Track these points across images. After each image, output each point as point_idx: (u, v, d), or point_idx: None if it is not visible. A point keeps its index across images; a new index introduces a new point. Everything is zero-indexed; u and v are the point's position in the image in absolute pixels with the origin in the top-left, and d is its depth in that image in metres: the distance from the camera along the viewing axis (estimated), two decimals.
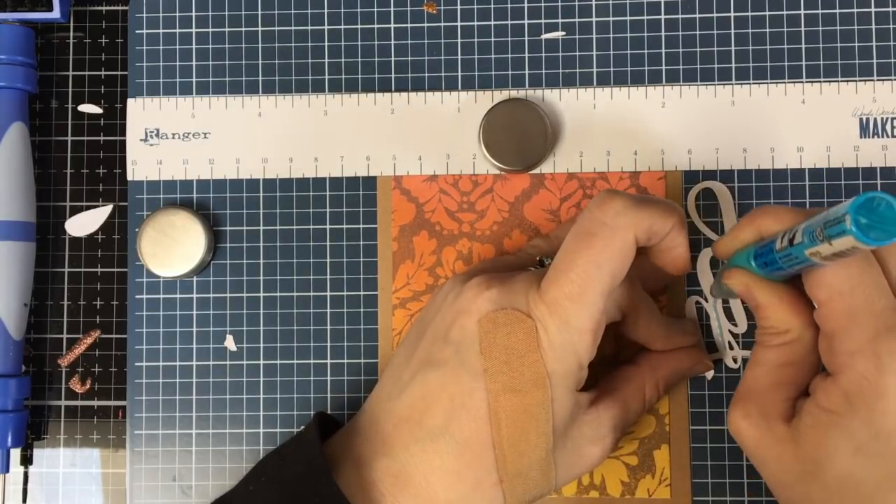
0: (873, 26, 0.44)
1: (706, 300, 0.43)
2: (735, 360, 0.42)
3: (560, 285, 0.34)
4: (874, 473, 0.32)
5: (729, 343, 0.42)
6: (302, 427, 0.43)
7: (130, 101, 0.45)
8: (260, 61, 0.45)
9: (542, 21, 0.44)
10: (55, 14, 0.45)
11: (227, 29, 0.45)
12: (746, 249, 0.35)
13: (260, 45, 0.45)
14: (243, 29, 0.45)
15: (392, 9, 0.45)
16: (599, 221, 0.35)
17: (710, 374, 0.42)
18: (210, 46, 0.45)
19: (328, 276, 0.44)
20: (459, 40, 0.45)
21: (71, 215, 0.46)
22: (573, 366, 0.35)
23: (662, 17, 0.44)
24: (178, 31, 0.45)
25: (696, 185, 0.43)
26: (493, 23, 0.45)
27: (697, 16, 0.44)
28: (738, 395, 0.36)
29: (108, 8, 0.46)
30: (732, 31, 0.44)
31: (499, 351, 0.35)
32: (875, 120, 0.43)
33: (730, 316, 0.43)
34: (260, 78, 0.45)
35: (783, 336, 0.35)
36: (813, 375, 0.35)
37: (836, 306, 0.32)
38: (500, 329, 0.35)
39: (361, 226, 0.44)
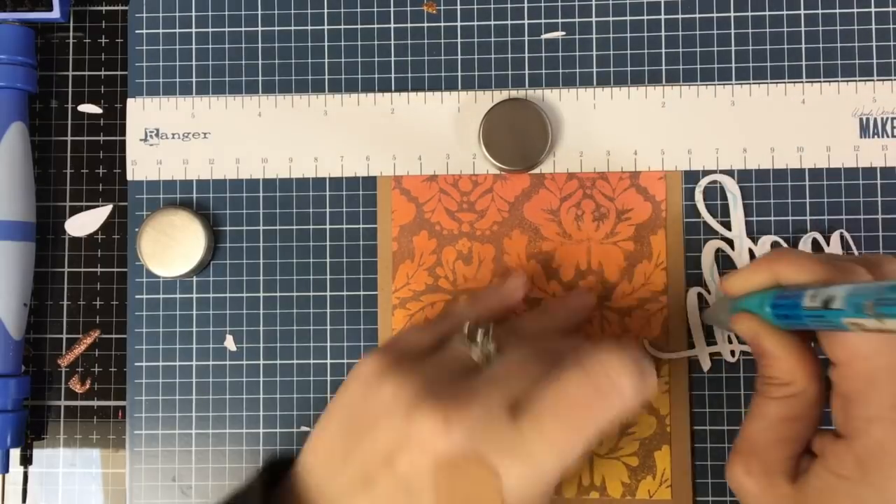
0: (873, 26, 0.44)
1: (708, 292, 0.43)
2: (733, 354, 0.42)
3: (550, 440, 0.31)
4: None
5: (728, 337, 0.42)
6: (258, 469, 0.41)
7: (130, 101, 0.45)
8: (260, 61, 0.45)
9: (542, 21, 0.44)
10: (55, 14, 0.45)
11: (227, 29, 0.45)
12: (760, 294, 0.34)
13: (260, 45, 0.45)
14: (243, 29, 0.45)
15: (392, 9, 0.45)
16: (613, 384, 0.32)
17: (706, 366, 0.42)
18: (210, 46, 0.45)
19: (328, 276, 0.44)
20: (459, 40, 0.45)
21: (71, 215, 0.46)
22: None
23: (662, 17, 0.44)
24: (178, 31, 0.45)
25: (703, 178, 0.43)
26: (493, 23, 0.45)
27: (697, 16, 0.44)
28: (738, 449, 0.35)
29: (108, 8, 0.46)
30: (732, 31, 0.44)
31: (457, 502, 0.31)
32: (875, 120, 0.43)
33: None
34: (260, 78, 0.45)
35: (787, 388, 0.34)
36: (814, 431, 0.34)
37: (856, 368, 0.31)
38: (460, 477, 0.31)
39: (361, 226, 0.44)
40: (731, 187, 0.43)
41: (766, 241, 0.43)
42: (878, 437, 0.31)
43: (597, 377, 0.32)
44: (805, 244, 0.42)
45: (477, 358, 0.35)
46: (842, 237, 0.42)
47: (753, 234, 0.43)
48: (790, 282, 0.33)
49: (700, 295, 0.43)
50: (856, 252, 0.42)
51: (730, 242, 0.43)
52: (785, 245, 0.42)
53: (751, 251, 0.43)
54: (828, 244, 0.42)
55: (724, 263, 0.43)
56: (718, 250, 0.43)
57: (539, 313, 0.40)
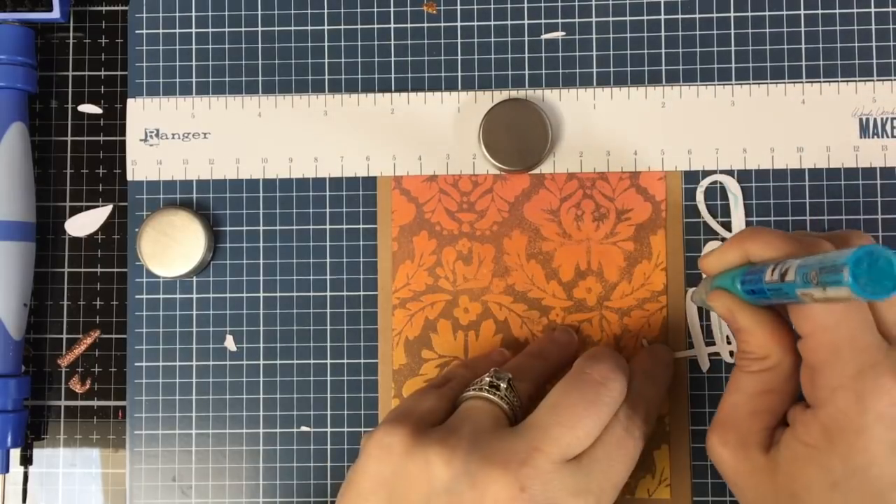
0: (873, 26, 0.44)
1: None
2: (732, 355, 0.42)
3: (606, 472, 0.35)
4: None
5: (727, 338, 0.42)
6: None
7: (130, 101, 0.45)
8: (260, 61, 0.45)
9: (542, 21, 0.44)
10: (55, 14, 0.45)
11: (227, 29, 0.45)
12: (732, 271, 0.35)
13: (260, 45, 0.45)
14: (243, 29, 0.45)
15: (392, 9, 0.45)
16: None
17: (705, 366, 0.42)
18: (210, 46, 0.45)
19: (328, 276, 0.44)
20: (459, 40, 0.45)
21: (71, 215, 0.46)
22: None
23: (662, 17, 0.44)
24: (178, 31, 0.45)
25: (705, 179, 0.43)
26: (493, 23, 0.45)
27: (697, 16, 0.44)
28: (716, 421, 0.36)
29: (108, 8, 0.46)
30: (732, 31, 0.44)
31: None
32: (875, 120, 0.43)
33: None
34: (260, 78, 0.45)
35: (762, 362, 0.35)
36: (791, 403, 0.35)
37: (820, 340, 0.32)
38: None
39: (361, 226, 0.44)
40: (733, 188, 0.43)
41: None
42: (842, 406, 0.31)
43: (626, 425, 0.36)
44: None
45: (507, 409, 0.36)
46: None
47: None
48: (760, 258, 0.34)
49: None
50: None
51: None
52: None
53: None
54: None
55: None
56: None
57: (533, 357, 0.41)
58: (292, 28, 0.45)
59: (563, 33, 0.44)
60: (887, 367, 0.31)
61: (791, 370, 0.34)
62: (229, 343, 0.44)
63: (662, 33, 0.44)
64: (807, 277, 0.28)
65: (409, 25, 0.45)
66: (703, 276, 0.38)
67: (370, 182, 0.44)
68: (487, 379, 0.37)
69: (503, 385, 0.36)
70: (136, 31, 0.45)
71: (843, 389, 0.31)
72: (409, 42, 0.45)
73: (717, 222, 0.43)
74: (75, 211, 0.46)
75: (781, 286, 0.30)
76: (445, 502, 0.33)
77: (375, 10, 0.45)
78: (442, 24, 0.45)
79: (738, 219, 0.43)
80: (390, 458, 0.34)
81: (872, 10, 0.44)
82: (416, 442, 0.34)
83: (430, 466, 0.33)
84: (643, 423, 0.37)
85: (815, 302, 0.29)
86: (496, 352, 0.42)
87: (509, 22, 0.45)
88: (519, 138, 0.43)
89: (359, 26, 0.45)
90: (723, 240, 0.43)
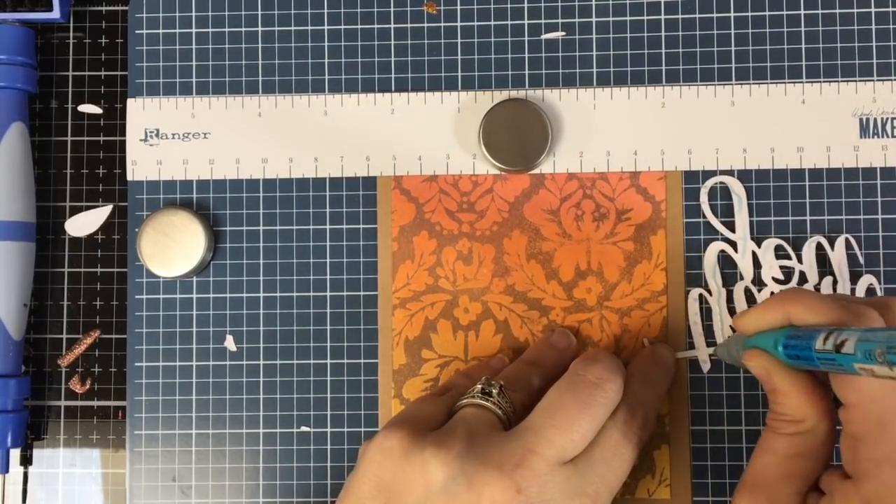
0: (873, 26, 0.44)
1: (709, 293, 0.43)
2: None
3: (602, 474, 0.35)
4: None
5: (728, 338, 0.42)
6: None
7: (130, 101, 0.45)
8: (260, 61, 0.45)
9: (542, 21, 0.44)
10: (55, 14, 0.45)
11: (227, 29, 0.45)
12: (772, 332, 0.34)
13: (260, 45, 0.45)
14: (243, 29, 0.45)
15: (392, 9, 0.45)
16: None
17: (706, 367, 0.42)
18: (210, 46, 0.45)
19: (328, 276, 0.44)
20: (459, 40, 0.45)
21: (71, 215, 0.46)
22: None
23: (662, 17, 0.44)
24: (178, 31, 0.45)
25: (708, 180, 0.43)
26: (493, 23, 0.45)
27: (697, 16, 0.44)
28: (745, 483, 0.35)
29: (108, 8, 0.46)
30: (732, 31, 0.44)
31: None
32: (875, 120, 0.43)
33: (732, 314, 0.42)
34: (260, 78, 0.45)
35: (797, 425, 0.34)
36: (824, 469, 0.34)
37: (866, 411, 0.31)
38: None
39: (361, 226, 0.44)
40: (737, 189, 0.43)
41: (769, 245, 0.42)
42: (887, 480, 0.31)
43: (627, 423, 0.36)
44: (809, 248, 0.42)
45: (501, 414, 0.36)
46: (847, 243, 0.42)
47: (754, 234, 0.43)
48: (802, 322, 0.33)
49: (701, 296, 0.43)
50: (861, 258, 0.42)
51: (732, 244, 0.43)
52: (789, 248, 0.42)
53: (754, 254, 0.43)
54: (832, 248, 0.42)
55: (726, 265, 0.43)
56: (721, 251, 0.43)
57: (528, 365, 0.41)
58: (292, 28, 0.45)
59: (563, 33, 0.44)
60: None
61: (826, 435, 0.34)
62: (229, 343, 0.44)
63: (662, 33, 0.44)
64: (870, 354, 0.28)
65: (409, 25, 0.45)
66: (734, 332, 0.38)
67: (370, 182, 0.44)
68: (479, 386, 0.37)
69: (495, 391, 0.37)
70: (136, 31, 0.45)
71: (888, 463, 0.30)
72: (409, 42, 0.45)
73: (720, 222, 0.43)
74: (75, 211, 0.46)
75: (835, 357, 0.30)
76: (440, 499, 0.33)
77: (375, 10, 0.45)
78: (442, 24, 0.45)
79: (741, 221, 0.43)
80: (389, 462, 0.35)
81: (872, 10, 0.44)
82: (413, 444, 0.34)
83: (427, 468, 0.34)
84: (641, 426, 0.37)
85: (874, 377, 0.28)
86: (496, 359, 0.42)
87: (509, 22, 0.45)
88: (519, 138, 0.43)
89: (359, 26, 0.45)
90: (725, 240, 0.43)
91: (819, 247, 0.42)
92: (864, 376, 0.29)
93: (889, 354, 0.27)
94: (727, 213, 0.43)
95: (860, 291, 0.42)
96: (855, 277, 0.42)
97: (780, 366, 0.34)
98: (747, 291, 0.42)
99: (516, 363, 0.41)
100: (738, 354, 0.37)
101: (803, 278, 0.42)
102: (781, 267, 0.43)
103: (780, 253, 0.43)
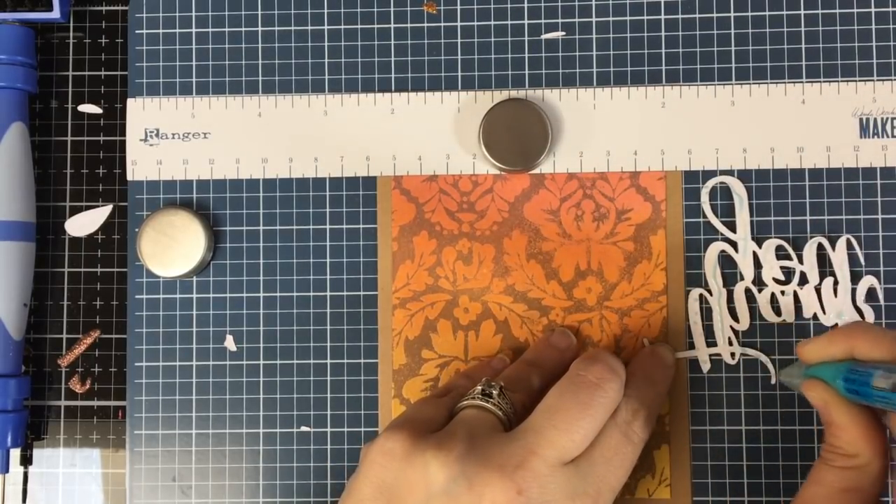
0: (873, 26, 0.44)
1: (710, 293, 0.43)
2: (734, 356, 0.42)
3: (601, 475, 0.35)
4: None
5: (729, 339, 0.42)
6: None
7: (130, 101, 0.45)
8: (260, 61, 0.45)
9: (542, 21, 0.44)
10: (55, 14, 0.45)
11: (227, 29, 0.45)
12: (833, 364, 0.34)
13: (260, 45, 0.45)
14: (243, 29, 0.45)
15: (392, 9, 0.45)
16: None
17: (706, 367, 0.43)
18: (210, 46, 0.45)
19: (328, 276, 0.44)
20: (459, 40, 0.45)
21: (71, 215, 0.46)
22: None
23: (662, 17, 0.44)
24: (178, 31, 0.45)
25: (710, 180, 0.43)
26: (493, 23, 0.45)
27: (697, 16, 0.44)
28: None
29: (108, 8, 0.46)
30: (732, 31, 0.44)
31: None
32: (875, 120, 0.43)
33: (733, 314, 0.42)
34: (260, 78, 0.45)
35: (851, 460, 0.34)
36: None
37: None
38: None
39: (361, 226, 0.44)
40: (738, 189, 0.43)
41: (770, 245, 0.42)
42: None
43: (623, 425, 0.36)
44: (810, 249, 0.42)
45: (501, 415, 0.36)
46: (848, 243, 0.42)
47: (754, 234, 0.43)
48: (865, 357, 0.33)
49: (701, 296, 0.43)
50: (861, 257, 0.42)
51: (733, 244, 0.43)
52: (790, 248, 0.42)
53: (755, 254, 0.43)
54: (833, 249, 0.42)
55: (727, 265, 0.43)
56: (722, 252, 0.43)
57: (528, 365, 0.41)
58: (292, 28, 0.45)
59: (563, 33, 0.44)
60: None
61: (879, 472, 0.34)
62: (229, 343, 0.44)
63: (662, 33, 0.44)
64: None
65: (409, 25, 0.45)
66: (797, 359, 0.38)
67: (370, 182, 0.44)
68: (479, 388, 0.37)
69: (495, 392, 0.37)
70: (136, 31, 0.45)
71: None
72: (409, 42, 0.45)
73: (721, 222, 0.43)
74: (75, 211, 0.46)
75: (892, 396, 0.30)
76: (441, 500, 0.33)
77: (375, 10, 0.45)
78: (442, 24, 0.45)
79: (742, 221, 0.43)
80: (391, 464, 0.35)
81: (872, 10, 0.44)
82: (414, 446, 0.34)
83: (428, 470, 0.34)
84: (642, 426, 0.37)
85: None
86: (496, 359, 0.43)
87: (509, 22, 0.45)
88: (519, 138, 0.43)
89: (359, 26, 0.45)
90: (725, 240, 0.43)
91: (820, 247, 0.42)
92: None
93: None
94: (728, 213, 0.43)
95: (861, 292, 0.42)
96: (856, 278, 0.42)
97: (838, 399, 0.34)
98: (748, 292, 0.42)
99: (516, 364, 0.41)
100: (798, 383, 0.37)
101: (804, 279, 0.42)
102: (782, 267, 0.43)
103: (780, 253, 0.43)
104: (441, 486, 0.33)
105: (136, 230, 0.44)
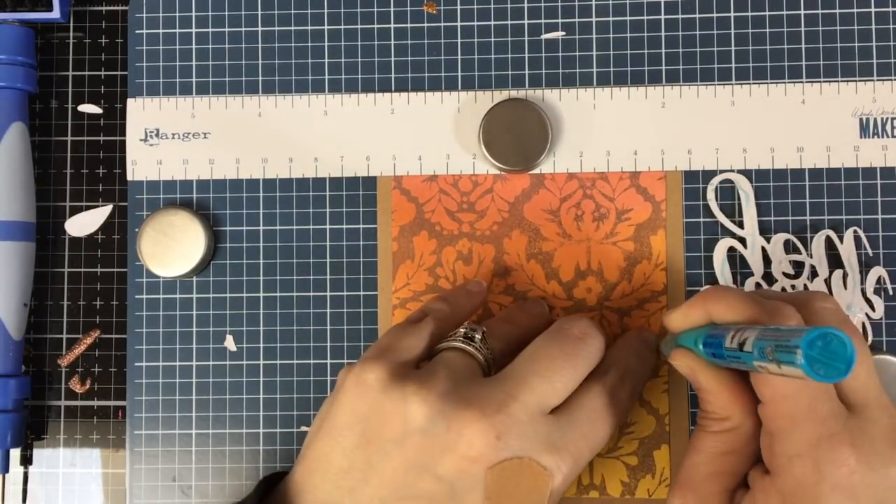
0: (873, 26, 0.44)
1: None
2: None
3: (583, 431, 0.35)
4: None
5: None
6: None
7: (130, 101, 0.45)
8: (260, 61, 0.45)
9: (542, 21, 0.44)
10: (55, 14, 0.45)
11: (227, 29, 0.45)
12: (695, 331, 0.35)
13: (260, 45, 0.45)
14: (243, 29, 0.45)
15: (392, 9, 0.45)
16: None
17: None
18: (210, 46, 0.45)
19: (328, 276, 0.44)
20: (459, 40, 0.45)
21: (71, 215, 0.46)
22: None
23: (662, 17, 0.44)
24: (178, 31, 0.45)
25: (716, 177, 0.43)
26: (493, 23, 0.45)
27: (697, 16, 0.44)
28: (676, 481, 0.36)
29: (108, 8, 0.46)
30: (732, 31, 0.44)
31: (506, 499, 0.33)
32: (875, 120, 0.43)
33: None
34: (260, 78, 0.45)
35: (723, 423, 0.34)
36: (751, 465, 0.35)
37: (779, 407, 0.32)
38: (510, 477, 0.33)
39: (361, 226, 0.44)
40: (744, 186, 0.43)
41: (779, 239, 0.43)
42: (799, 475, 0.31)
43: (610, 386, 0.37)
44: (818, 242, 0.42)
45: (482, 360, 0.36)
46: (855, 234, 0.42)
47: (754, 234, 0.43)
48: (721, 320, 0.34)
49: None
50: (870, 251, 0.42)
51: (741, 241, 0.43)
52: (799, 243, 0.42)
53: (763, 249, 0.43)
54: (841, 242, 0.42)
55: (734, 263, 0.43)
56: (730, 248, 0.43)
57: (503, 322, 0.41)
58: (292, 28, 0.45)
59: (563, 33, 0.44)
60: (845, 437, 0.31)
61: (752, 432, 0.34)
62: (229, 343, 0.44)
63: (662, 33, 0.44)
64: (763, 352, 0.28)
65: (409, 25, 0.45)
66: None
67: (370, 182, 0.44)
68: (462, 331, 0.37)
69: (477, 336, 0.37)
70: (136, 31, 0.45)
71: (800, 458, 0.31)
72: (409, 42, 0.45)
73: (730, 221, 0.43)
74: (75, 211, 0.46)
75: (740, 355, 0.30)
76: (420, 442, 0.33)
77: (375, 10, 0.45)
78: (442, 24, 0.45)
79: (749, 217, 0.43)
80: (367, 394, 0.34)
81: (872, 10, 0.44)
82: (393, 380, 0.34)
83: (407, 405, 0.33)
84: (628, 395, 0.37)
85: (769, 374, 0.29)
86: (472, 282, 0.42)
87: (509, 22, 0.45)
88: (519, 138, 0.43)
89: (359, 26, 0.45)
90: (733, 236, 0.43)
91: (829, 241, 0.42)
92: (765, 373, 0.30)
93: (777, 353, 0.27)
94: (730, 212, 0.43)
95: (870, 283, 0.42)
96: (865, 270, 0.42)
97: (704, 364, 0.34)
98: (758, 287, 0.42)
99: (492, 320, 0.41)
100: (668, 353, 0.37)
101: (814, 272, 0.42)
102: (791, 262, 0.43)
103: (788, 248, 0.43)
104: (419, 423, 0.33)
105: (136, 230, 0.44)
